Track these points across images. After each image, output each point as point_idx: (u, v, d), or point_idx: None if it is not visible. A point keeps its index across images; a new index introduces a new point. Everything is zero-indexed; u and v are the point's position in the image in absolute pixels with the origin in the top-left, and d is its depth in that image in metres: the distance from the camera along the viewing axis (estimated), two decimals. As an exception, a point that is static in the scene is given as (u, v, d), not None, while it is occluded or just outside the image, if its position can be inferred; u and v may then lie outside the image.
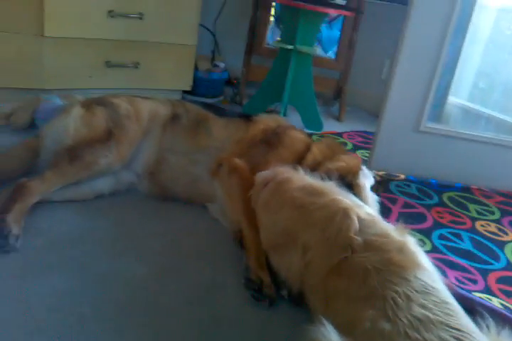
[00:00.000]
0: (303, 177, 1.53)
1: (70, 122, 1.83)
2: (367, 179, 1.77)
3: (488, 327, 1.08)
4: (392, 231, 1.26)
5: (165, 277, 1.50)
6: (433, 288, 1.07)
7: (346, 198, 1.40)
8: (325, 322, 1.02)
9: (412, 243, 1.23)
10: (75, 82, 2.78)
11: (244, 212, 1.68)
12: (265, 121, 2.02)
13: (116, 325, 1.27)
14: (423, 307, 1.01)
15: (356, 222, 1.27)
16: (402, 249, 1.19)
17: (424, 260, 1.20)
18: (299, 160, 1.86)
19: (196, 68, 3.35)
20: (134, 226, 1.76)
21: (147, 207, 1.90)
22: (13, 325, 1.21)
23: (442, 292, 1.08)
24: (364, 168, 1.85)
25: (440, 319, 0.98)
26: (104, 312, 1.31)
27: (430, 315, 0.98)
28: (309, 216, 1.36)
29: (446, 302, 1.04)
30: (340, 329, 1.04)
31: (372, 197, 1.72)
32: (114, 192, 1.91)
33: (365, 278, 1.13)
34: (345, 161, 1.85)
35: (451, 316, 0.99)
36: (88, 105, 1.91)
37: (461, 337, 0.93)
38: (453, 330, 0.95)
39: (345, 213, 1.29)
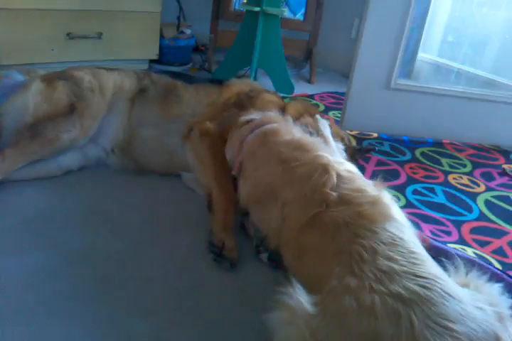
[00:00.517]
0: (290, 130, 1.51)
1: (29, 98, 1.77)
2: (326, 129, 1.76)
3: (456, 268, 1.11)
4: (369, 186, 1.26)
5: (141, 249, 1.50)
6: (400, 238, 1.08)
7: (329, 154, 1.39)
8: (294, 282, 1.04)
9: (386, 197, 1.23)
10: (35, 56, 2.70)
11: (214, 175, 1.67)
12: (238, 85, 1.99)
13: (93, 301, 1.27)
14: (389, 259, 1.01)
15: (334, 177, 1.26)
16: (374, 202, 1.19)
17: (397, 212, 1.20)
18: None
19: (162, 36, 3.27)
20: (107, 200, 1.74)
21: (119, 180, 1.88)
22: (-13, 304, 1.21)
23: (410, 242, 1.08)
24: (320, 118, 1.84)
25: (405, 269, 0.98)
26: (81, 288, 1.31)
27: (395, 266, 0.99)
28: (291, 172, 1.35)
29: (413, 252, 1.04)
30: (310, 285, 1.06)
31: (338, 147, 1.71)
32: (82, 168, 1.89)
33: (335, 233, 1.14)
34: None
35: (417, 265, 1.00)
36: (49, 79, 1.85)
37: (427, 284, 0.94)
38: (418, 278, 0.96)
39: (324, 169, 1.29)
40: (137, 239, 1.54)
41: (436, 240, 1.67)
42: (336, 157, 1.42)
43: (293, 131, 1.50)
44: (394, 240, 1.07)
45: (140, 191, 1.81)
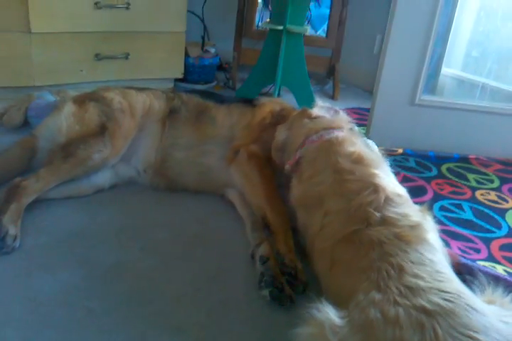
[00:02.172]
0: (355, 141, 1.53)
1: (62, 120, 1.83)
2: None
3: (483, 286, 1.12)
4: (414, 212, 1.27)
5: (171, 266, 1.52)
6: (430, 260, 1.09)
7: (385, 174, 1.41)
8: (323, 299, 1.05)
9: (428, 223, 1.25)
10: (65, 77, 2.77)
11: (266, 196, 1.69)
12: (269, 104, 2.01)
13: (125, 317, 1.29)
14: (415, 276, 1.03)
15: (382, 199, 1.28)
16: (414, 226, 1.20)
17: (433, 237, 1.22)
18: None
19: (187, 55, 3.33)
20: (137, 217, 1.77)
21: (149, 198, 1.91)
22: (22, 322, 1.23)
23: (438, 263, 1.10)
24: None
25: (430, 285, 1.00)
26: (112, 304, 1.33)
27: (421, 283, 1.01)
28: (342, 185, 1.37)
29: (440, 272, 1.06)
30: (340, 298, 1.07)
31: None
32: (113, 186, 1.92)
33: (368, 251, 1.16)
34: None
35: (443, 282, 1.02)
36: (80, 101, 1.91)
37: (451, 298, 0.96)
38: (442, 293, 0.97)
39: (374, 189, 1.31)
40: (167, 256, 1.56)
41: (465, 257, 1.66)
42: (390, 177, 1.43)
43: (357, 143, 1.52)
44: (423, 260, 1.09)
45: (170, 209, 1.84)
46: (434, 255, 1.12)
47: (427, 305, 0.94)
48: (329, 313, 1.01)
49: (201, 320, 1.31)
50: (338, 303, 1.08)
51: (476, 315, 0.93)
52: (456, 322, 0.90)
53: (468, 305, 0.95)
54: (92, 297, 1.34)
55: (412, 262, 1.08)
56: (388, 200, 1.28)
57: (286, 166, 1.63)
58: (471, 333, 0.89)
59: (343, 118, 1.68)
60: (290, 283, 1.44)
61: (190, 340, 1.24)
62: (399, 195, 1.32)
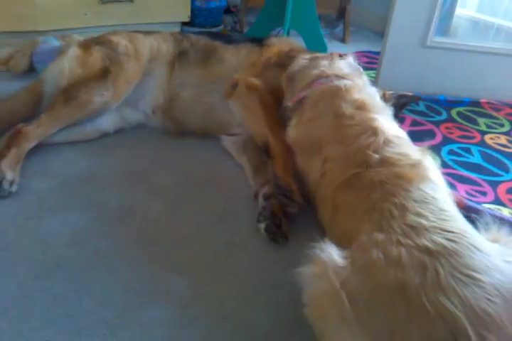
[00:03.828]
0: (362, 90, 1.51)
1: (65, 63, 1.82)
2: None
3: (487, 225, 1.12)
4: (414, 151, 1.27)
5: (177, 208, 1.54)
6: (433, 197, 1.09)
7: (385, 118, 1.40)
8: (326, 238, 1.06)
9: (428, 161, 1.24)
10: (69, 21, 2.71)
11: (268, 124, 1.69)
12: (278, 44, 1.99)
13: (132, 257, 1.32)
14: (418, 215, 1.03)
15: (380, 141, 1.27)
16: (414, 165, 1.20)
17: (435, 175, 1.21)
18: None
19: (193, -3, 3.24)
20: (144, 161, 1.78)
21: (155, 142, 1.92)
22: (34, 262, 1.27)
23: (442, 201, 1.10)
24: None
25: (434, 224, 1.00)
26: (120, 245, 1.36)
27: (424, 222, 1.01)
28: (341, 129, 1.37)
29: (444, 210, 1.06)
30: (342, 241, 1.08)
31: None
32: (119, 130, 1.93)
33: (370, 192, 1.16)
34: None
35: (447, 221, 1.02)
36: (86, 45, 1.89)
37: (454, 238, 0.96)
38: (446, 233, 0.98)
39: (373, 132, 1.30)
40: (174, 198, 1.58)
41: (471, 200, 1.66)
42: (389, 121, 1.42)
43: (364, 92, 1.50)
44: (426, 198, 1.09)
45: (176, 153, 1.85)
46: (437, 193, 1.12)
47: (430, 245, 0.95)
48: (332, 254, 1.02)
49: (207, 260, 1.35)
50: (341, 245, 1.09)
51: (479, 255, 0.93)
52: (458, 263, 0.91)
53: (471, 244, 0.95)
54: (100, 238, 1.38)
55: (415, 201, 1.08)
56: (387, 142, 1.27)
57: (289, 103, 1.61)
58: (474, 274, 0.89)
59: (362, 77, 1.64)
60: (285, 204, 1.48)
61: (196, 280, 1.27)
62: (398, 137, 1.32)
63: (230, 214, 1.54)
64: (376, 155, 1.23)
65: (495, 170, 1.94)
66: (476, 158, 2.01)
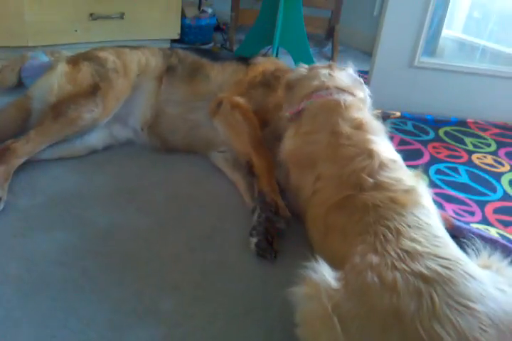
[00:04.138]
0: (362, 109, 1.51)
1: (54, 79, 1.81)
2: None
3: (478, 250, 1.11)
4: (408, 177, 1.27)
5: (166, 227, 1.53)
6: (426, 223, 1.09)
7: (381, 140, 1.40)
8: (319, 258, 1.06)
9: (422, 187, 1.25)
10: (59, 37, 2.72)
11: (251, 142, 1.71)
12: (264, 63, 2.00)
13: (119, 277, 1.30)
14: (412, 240, 1.03)
15: (375, 164, 1.27)
16: (408, 190, 1.20)
17: (428, 201, 1.22)
18: None
19: (183, 15, 3.27)
20: (133, 178, 1.77)
21: (144, 159, 1.90)
22: (20, 281, 1.25)
23: (435, 227, 1.10)
24: None
25: (428, 250, 1.00)
26: (107, 264, 1.34)
27: (418, 247, 1.00)
28: (336, 149, 1.37)
29: (437, 236, 1.06)
30: (334, 264, 1.07)
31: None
32: (108, 147, 1.92)
33: (363, 215, 1.16)
34: None
35: (440, 247, 1.02)
36: (74, 61, 1.88)
37: (448, 265, 0.95)
38: (440, 259, 0.97)
39: (369, 154, 1.30)
40: (163, 217, 1.57)
41: (459, 220, 1.67)
42: (385, 143, 1.42)
43: (364, 111, 1.51)
44: (419, 224, 1.09)
45: (165, 170, 1.84)
46: (430, 219, 1.13)
47: (425, 272, 0.94)
48: (325, 275, 1.01)
49: (196, 279, 1.33)
50: (333, 266, 1.08)
51: (473, 283, 0.93)
52: (453, 291, 0.90)
53: (465, 272, 0.95)
54: (87, 257, 1.36)
55: (409, 226, 1.08)
56: (382, 166, 1.27)
57: (286, 114, 1.62)
58: (468, 303, 0.89)
59: (363, 90, 1.66)
60: (272, 220, 1.48)
61: (185, 299, 1.26)
62: (393, 161, 1.32)
63: (219, 232, 1.53)
64: (370, 179, 1.23)
65: (482, 189, 1.95)
66: (463, 178, 2.03)
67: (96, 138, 1.87)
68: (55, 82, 1.80)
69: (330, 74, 1.63)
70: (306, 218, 1.39)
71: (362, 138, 1.37)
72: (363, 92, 1.62)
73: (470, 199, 1.88)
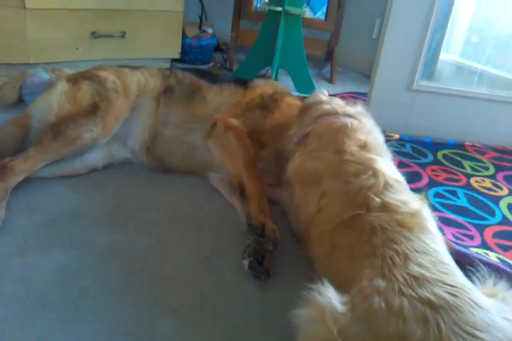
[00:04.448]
0: (368, 131, 1.52)
1: (53, 98, 1.81)
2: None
3: (483, 279, 1.11)
4: (413, 199, 1.27)
5: (165, 247, 1.52)
6: (433, 249, 1.09)
7: (386, 161, 1.41)
8: (324, 280, 1.04)
9: (426, 211, 1.25)
10: (60, 54, 2.74)
11: (244, 164, 1.72)
12: (262, 86, 2.00)
13: (119, 297, 1.29)
14: (420, 265, 1.02)
15: (381, 183, 1.28)
16: (414, 214, 1.20)
17: (433, 226, 1.22)
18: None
19: (184, 35, 3.30)
20: (132, 198, 1.76)
21: (144, 178, 1.90)
22: (18, 301, 1.23)
23: (442, 254, 1.10)
24: None
25: (435, 276, 0.99)
26: (107, 284, 1.33)
27: (426, 273, 1.00)
28: (340, 166, 1.37)
29: (444, 263, 1.05)
30: (338, 283, 1.06)
31: None
32: (107, 166, 1.91)
33: (371, 236, 1.15)
34: None
35: (447, 274, 1.01)
36: (74, 80, 1.88)
37: (455, 293, 0.95)
38: (447, 286, 0.96)
39: (374, 173, 1.31)
40: (161, 237, 1.56)
41: (458, 244, 1.66)
42: (389, 164, 1.43)
43: (369, 134, 1.52)
44: (427, 250, 1.08)
45: (164, 190, 1.84)
46: (437, 244, 1.12)
47: (432, 298, 0.93)
48: (331, 298, 1.00)
49: (195, 301, 1.32)
50: (336, 286, 1.07)
51: (480, 311, 0.92)
52: (460, 319, 0.89)
53: (472, 300, 0.94)
54: (86, 276, 1.34)
55: (417, 251, 1.07)
56: (387, 186, 1.28)
57: (294, 138, 1.63)
58: (474, 331, 0.88)
59: (370, 119, 1.66)
60: (260, 242, 1.47)
61: (183, 321, 1.24)
62: (398, 181, 1.32)
63: (217, 254, 1.52)
64: (377, 199, 1.23)
65: (481, 213, 1.95)
66: (462, 201, 2.03)
67: (95, 157, 1.86)
68: (55, 101, 1.80)
69: (343, 104, 1.67)
70: (310, 236, 1.38)
71: (366, 157, 1.38)
72: (370, 122, 1.63)
73: (469, 223, 1.87)
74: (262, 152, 1.81)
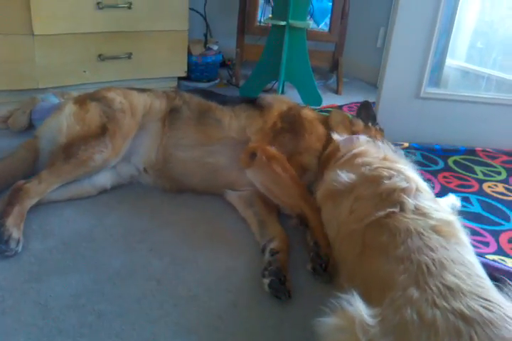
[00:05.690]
0: (379, 150, 1.56)
1: (62, 120, 1.83)
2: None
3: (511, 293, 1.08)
4: (445, 208, 1.29)
5: (180, 267, 1.52)
6: (470, 262, 1.08)
7: (414, 172, 1.44)
8: (353, 290, 1.03)
9: (459, 222, 1.25)
10: (68, 78, 2.77)
11: (301, 195, 1.70)
12: (276, 106, 1.99)
13: (135, 320, 1.29)
14: (455, 276, 1.01)
15: (413, 187, 1.29)
16: (449, 222, 1.20)
17: (466, 238, 1.22)
18: (325, 142, 1.88)
19: (189, 53, 3.32)
20: (144, 218, 1.77)
21: (156, 198, 1.91)
22: (34, 328, 1.24)
23: (477, 267, 1.08)
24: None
25: (471, 289, 0.98)
26: (123, 307, 1.33)
27: (461, 285, 0.98)
28: (371, 172, 1.39)
29: (479, 276, 1.04)
30: (366, 285, 1.06)
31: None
32: (116, 186, 1.93)
33: (405, 239, 1.14)
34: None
35: (482, 288, 0.99)
36: (81, 101, 1.91)
37: (490, 307, 0.93)
38: (482, 300, 0.95)
39: (406, 177, 1.33)
40: (176, 257, 1.56)
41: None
42: (418, 176, 1.45)
43: (382, 151, 1.55)
44: (463, 261, 1.07)
45: (176, 209, 1.84)
46: (472, 257, 1.11)
47: (466, 311, 0.91)
48: (361, 309, 0.98)
49: (212, 321, 1.31)
50: (365, 290, 1.07)
51: None
52: (494, 333, 0.88)
53: (507, 316, 0.92)
54: (102, 300, 1.35)
55: (453, 261, 1.06)
56: (419, 191, 1.29)
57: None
58: None
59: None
60: (317, 271, 1.48)
61: (201, 342, 1.24)
62: (427, 190, 1.34)
63: (233, 272, 1.51)
64: (412, 201, 1.23)
65: (495, 219, 1.93)
66: (475, 208, 2.01)
67: (104, 178, 1.88)
68: (64, 123, 1.83)
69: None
70: (339, 237, 1.38)
71: (396, 166, 1.41)
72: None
73: (484, 229, 1.86)
74: (304, 176, 1.81)
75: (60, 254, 1.53)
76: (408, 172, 1.38)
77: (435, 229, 1.16)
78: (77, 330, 1.24)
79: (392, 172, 1.36)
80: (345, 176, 1.45)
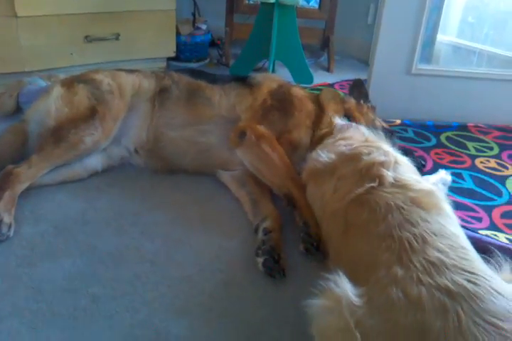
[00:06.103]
0: (361, 135, 1.56)
1: (50, 103, 1.81)
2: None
3: (499, 265, 1.08)
4: (424, 179, 1.29)
5: (172, 248, 1.52)
6: (452, 233, 1.07)
7: (392, 149, 1.45)
8: (340, 271, 1.03)
9: (440, 192, 1.25)
10: (55, 61, 2.73)
11: (288, 175, 1.69)
12: (265, 83, 1.98)
13: (129, 302, 1.29)
14: (438, 250, 1.00)
15: (392, 160, 1.29)
16: (430, 193, 1.20)
17: (448, 207, 1.21)
18: (315, 119, 1.88)
19: (178, 33, 3.27)
20: (135, 200, 1.76)
21: (146, 181, 1.89)
22: (28, 312, 1.23)
23: (460, 238, 1.08)
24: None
25: (454, 262, 0.97)
26: (116, 290, 1.33)
27: (445, 259, 0.98)
28: (351, 150, 1.41)
29: (463, 247, 1.03)
30: (351, 265, 1.06)
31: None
32: (107, 168, 1.91)
33: (386, 215, 1.14)
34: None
35: (467, 260, 0.99)
36: (69, 84, 1.88)
37: (475, 280, 0.93)
38: (467, 273, 0.94)
39: (385, 152, 1.34)
40: (168, 239, 1.56)
41: (467, 228, 1.65)
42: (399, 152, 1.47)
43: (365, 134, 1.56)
44: (445, 233, 1.07)
45: (166, 191, 1.83)
46: (456, 228, 1.10)
47: (451, 286, 0.91)
48: (347, 289, 0.98)
49: (205, 301, 1.32)
50: (352, 269, 1.07)
51: (501, 300, 0.90)
52: (480, 308, 0.88)
53: (492, 288, 0.92)
54: (95, 283, 1.34)
55: (435, 234, 1.05)
56: (398, 164, 1.29)
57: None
58: (496, 321, 0.86)
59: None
60: (309, 251, 1.48)
61: (195, 322, 1.24)
62: (406, 163, 1.35)
63: (225, 253, 1.51)
64: (391, 174, 1.24)
65: (488, 194, 1.94)
66: (468, 183, 2.01)
67: (95, 160, 1.86)
68: (52, 106, 1.80)
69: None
70: (324, 217, 1.40)
71: (375, 144, 1.43)
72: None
73: (476, 204, 1.86)
74: (294, 155, 1.80)
75: (52, 238, 1.52)
76: (386, 147, 1.39)
77: (415, 201, 1.15)
78: (71, 313, 1.24)
79: (370, 148, 1.37)
80: (325, 156, 1.47)
